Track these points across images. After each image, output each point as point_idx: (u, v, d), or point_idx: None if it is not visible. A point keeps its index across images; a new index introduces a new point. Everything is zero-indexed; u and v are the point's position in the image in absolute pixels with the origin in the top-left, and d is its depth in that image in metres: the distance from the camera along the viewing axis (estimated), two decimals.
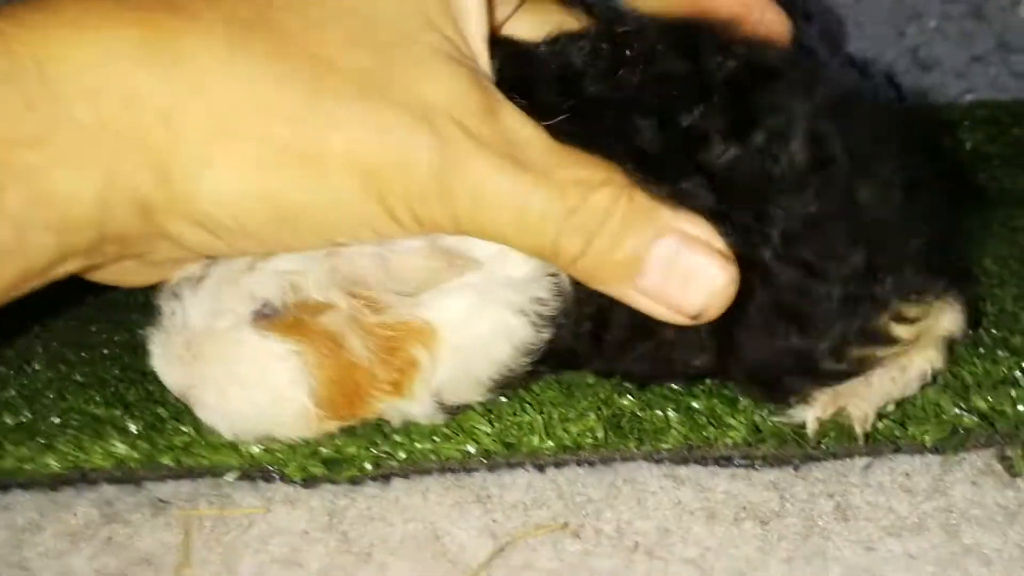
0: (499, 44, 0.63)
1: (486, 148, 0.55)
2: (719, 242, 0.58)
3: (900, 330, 0.65)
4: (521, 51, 0.64)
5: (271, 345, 0.62)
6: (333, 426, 0.66)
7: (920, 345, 0.66)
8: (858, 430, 0.63)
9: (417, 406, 0.65)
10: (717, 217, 0.59)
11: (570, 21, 0.67)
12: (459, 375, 0.64)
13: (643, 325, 0.62)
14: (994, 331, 0.76)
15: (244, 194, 0.55)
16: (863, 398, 0.64)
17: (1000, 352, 0.71)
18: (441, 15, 0.58)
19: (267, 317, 0.63)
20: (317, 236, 0.58)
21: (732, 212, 0.60)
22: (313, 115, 0.54)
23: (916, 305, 0.66)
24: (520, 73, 0.62)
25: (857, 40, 1.53)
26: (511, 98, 0.58)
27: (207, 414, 0.65)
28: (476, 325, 0.63)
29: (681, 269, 0.57)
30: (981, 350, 0.72)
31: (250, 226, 0.56)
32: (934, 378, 0.68)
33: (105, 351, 0.84)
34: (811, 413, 0.64)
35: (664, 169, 0.60)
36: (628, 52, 0.63)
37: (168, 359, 0.65)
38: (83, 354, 0.84)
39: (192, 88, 0.54)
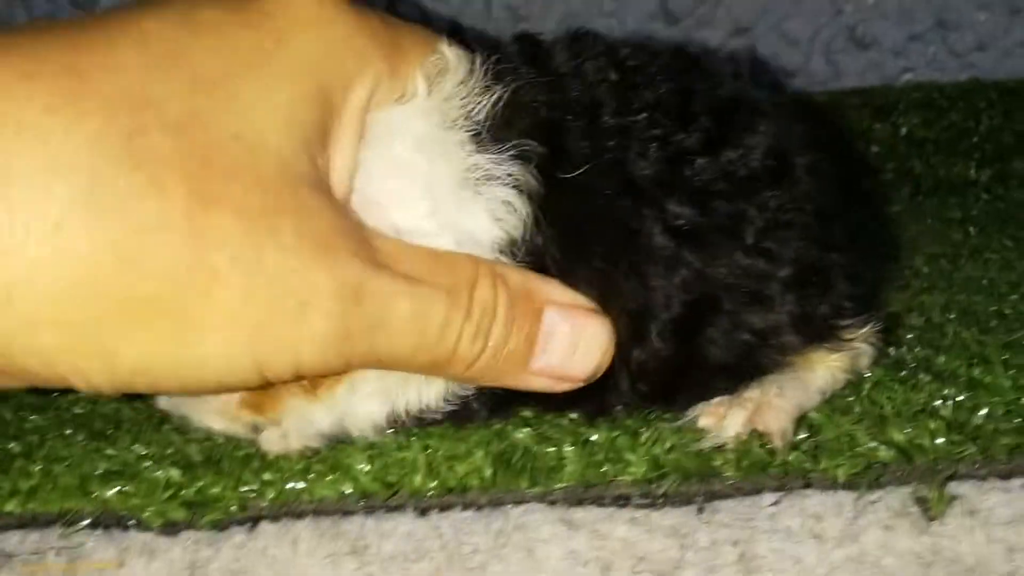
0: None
1: (382, 270, 0.53)
2: (584, 299, 0.58)
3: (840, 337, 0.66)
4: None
5: None
6: (247, 418, 0.63)
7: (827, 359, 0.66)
8: (778, 443, 0.60)
9: (322, 414, 0.61)
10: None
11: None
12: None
13: None
14: (917, 349, 0.72)
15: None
16: (780, 408, 0.62)
17: (922, 376, 0.67)
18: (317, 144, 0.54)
19: None
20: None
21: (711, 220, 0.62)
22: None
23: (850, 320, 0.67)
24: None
25: (795, 18, 1.48)
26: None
27: None
28: None
29: (569, 340, 0.57)
30: (903, 373, 0.68)
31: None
32: (850, 407, 0.64)
33: None
34: (732, 424, 0.62)
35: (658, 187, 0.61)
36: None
37: None
38: None
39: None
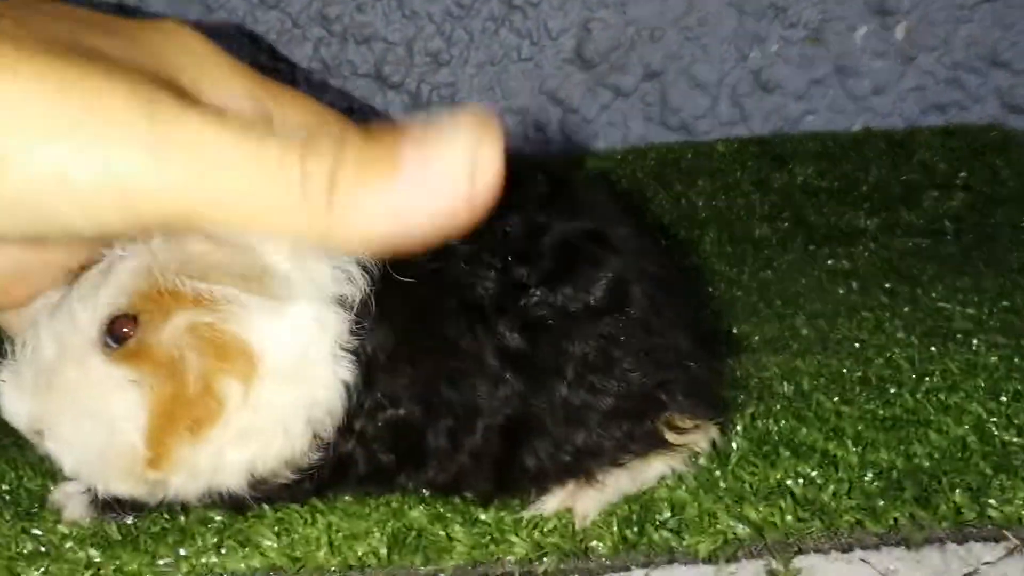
0: None
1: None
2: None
3: (671, 436, 0.71)
4: None
5: (113, 372, 0.64)
6: (151, 477, 0.66)
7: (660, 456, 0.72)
8: (577, 524, 0.67)
9: (203, 457, 0.66)
10: (521, 357, 0.66)
11: None
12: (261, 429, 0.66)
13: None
14: (783, 422, 0.78)
15: None
16: (591, 497, 0.69)
17: (782, 450, 0.74)
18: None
19: (117, 339, 0.65)
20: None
21: (534, 350, 0.67)
22: None
23: (689, 419, 0.71)
24: None
25: (703, 63, 1.55)
26: None
27: (59, 448, 0.66)
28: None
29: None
30: (765, 448, 0.75)
31: None
32: (715, 483, 0.71)
33: None
34: (550, 505, 0.69)
35: (492, 313, 0.67)
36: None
37: (17, 393, 0.66)
38: None
39: None
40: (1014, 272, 1.13)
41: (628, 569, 0.66)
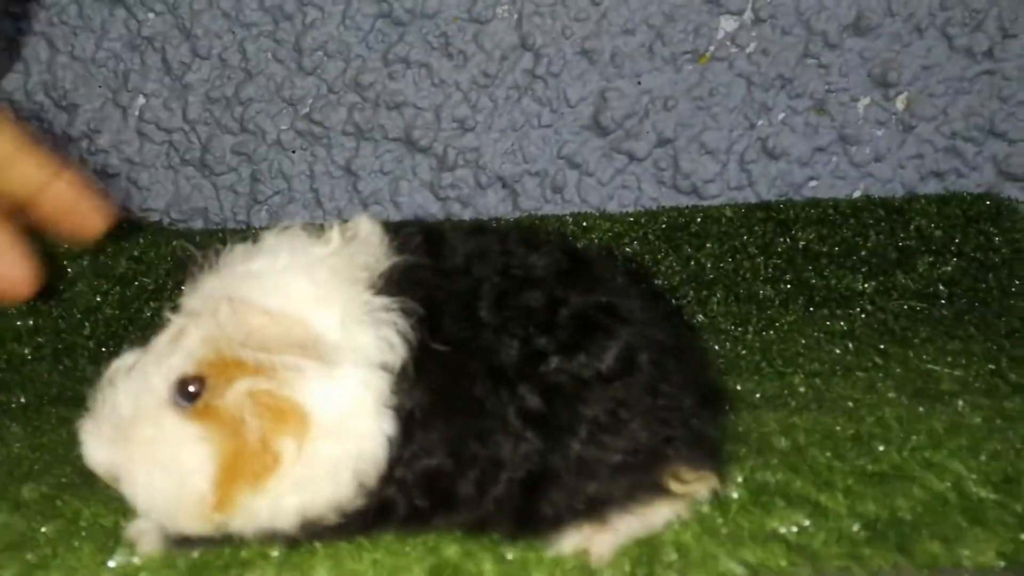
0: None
1: None
2: None
3: (675, 486, 0.79)
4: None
5: (185, 428, 0.74)
6: (216, 519, 0.75)
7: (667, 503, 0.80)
8: (592, 564, 0.75)
9: (261, 503, 0.75)
10: (539, 417, 0.75)
11: None
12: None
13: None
14: (780, 475, 0.87)
15: None
16: (605, 539, 0.77)
17: (778, 501, 0.82)
18: None
19: (187, 398, 0.75)
20: None
21: (551, 412, 0.76)
22: None
23: (692, 470, 0.79)
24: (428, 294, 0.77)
25: (712, 130, 1.64)
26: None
27: (134, 492, 0.75)
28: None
29: None
30: (763, 498, 0.83)
31: None
32: (717, 528, 0.79)
33: None
34: (568, 546, 0.77)
35: (515, 377, 0.76)
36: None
37: (98, 443, 0.76)
38: None
39: None
40: (1002, 337, 1.21)
41: None
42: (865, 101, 1.67)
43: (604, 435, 0.76)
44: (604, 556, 0.76)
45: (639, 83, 1.64)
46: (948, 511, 0.81)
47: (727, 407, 0.99)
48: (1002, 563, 0.75)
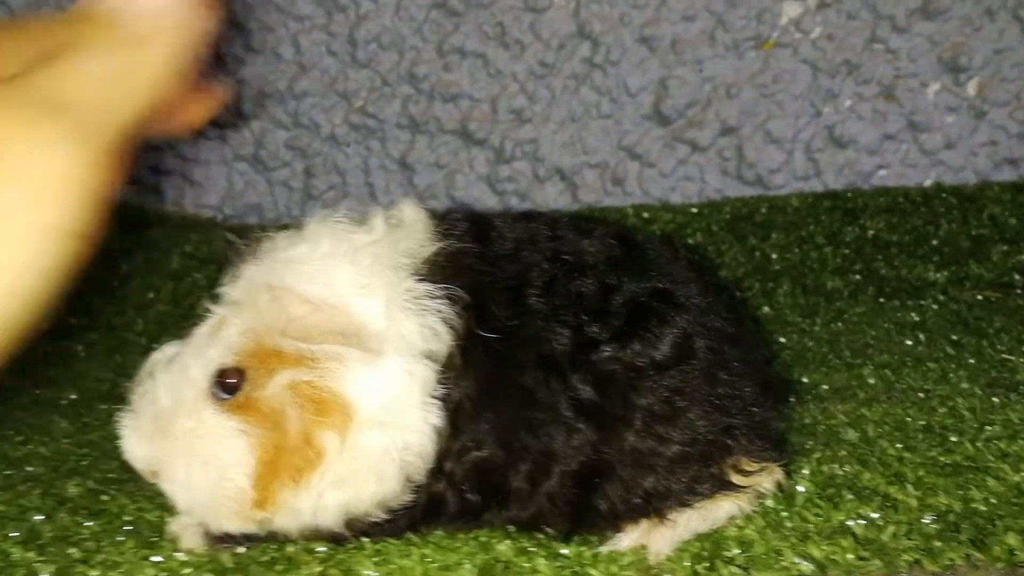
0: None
1: None
2: None
3: (736, 478, 0.75)
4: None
5: (224, 422, 0.72)
6: (257, 516, 0.73)
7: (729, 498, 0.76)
8: (650, 560, 0.72)
9: (303, 499, 0.72)
10: (592, 408, 0.72)
11: None
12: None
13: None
14: (847, 468, 0.83)
15: None
16: (664, 535, 0.74)
17: (846, 493, 0.79)
18: None
19: (226, 390, 0.72)
20: None
21: (604, 402, 0.73)
22: None
23: (754, 462, 0.76)
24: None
25: (778, 119, 1.60)
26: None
27: (173, 488, 0.73)
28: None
29: None
30: (830, 491, 0.80)
31: None
32: (782, 522, 0.76)
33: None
34: (625, 542, 0.74)
35: (566, 367, 0.73)
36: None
37: (136, 437, 0.74)
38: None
39: None
40: None
41: None
42: (935, 87, 1.62)
43: (660, 425, 0.73)
44: (663, 552, 0.73)
45: (701, 70, 1.60)
46: None
47: (791, 398, 0.95)
48: None
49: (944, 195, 1.41)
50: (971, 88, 1.61)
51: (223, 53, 1.62)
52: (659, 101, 1.62)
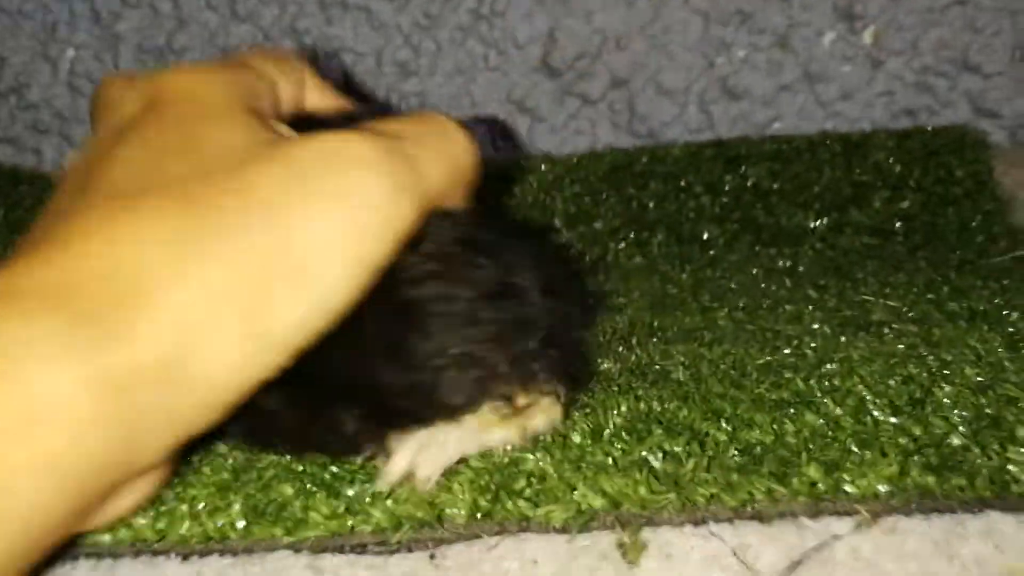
0: None
1: None
2: None
3: (506, 408, 0.72)
4: None
5: None
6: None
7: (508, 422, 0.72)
8: (419, 487, 0.68)
9: None
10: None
11: None
12: None
13: None
14: (666, 405, 0.79)
15: None
16: (434, 458, 0.69)
17: (655, 429, 0.75)
18: None
19: None
20: None
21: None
22: None
23: (530, 392, 0.72)
24: None
25: (669, 71, 1.56)
26: None
27: None
28: None
29: None
30: (639, 426, 0.76)
31: None
32: (579, 459, 0.72)
33: None
34: (394, 472, 0.69)
35: None
36: None
37: None
38: None
39: None
40: (951, 268, 1.12)
41: (479, 537, 0.68)
42: (831, 35, 1.58)
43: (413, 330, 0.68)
44: (432, 477, 0.69)
45: (590, 21, 1.56)
46: (838, 435, 0.73)
47: (620, 344, 0.91)
48: (883, 488, 0.67)
49: (829, 142, 1.37)
50: (867, 37, 1.58)
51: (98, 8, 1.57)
52: (548, 53, 1.57)
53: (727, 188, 1.34)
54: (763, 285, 1.12)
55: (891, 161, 1.34)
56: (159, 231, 0.53)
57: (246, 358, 0.55)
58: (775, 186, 1.33)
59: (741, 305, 1.05)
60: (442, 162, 0.64)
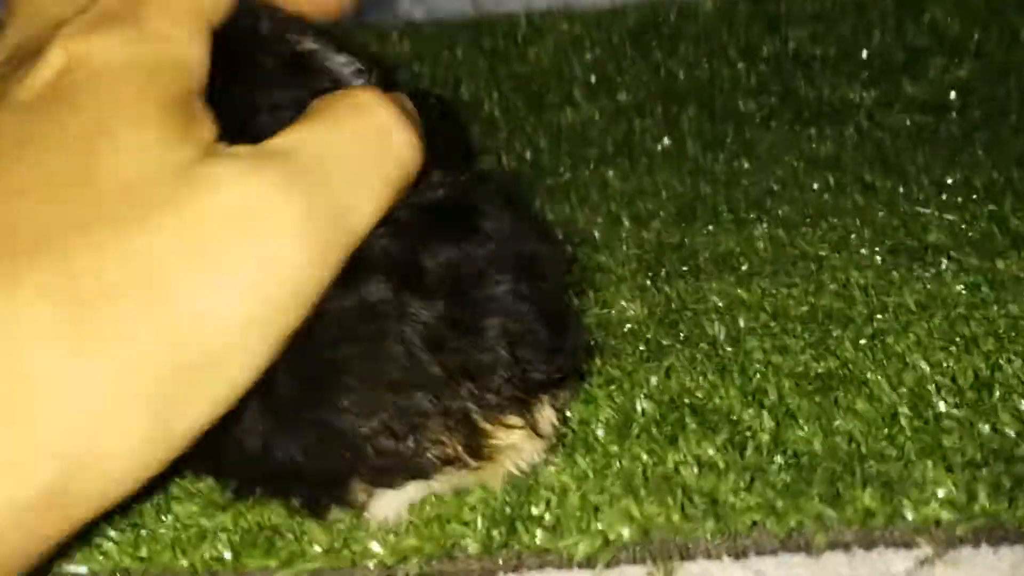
0: None
1: None
2: None
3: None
4: None
5: None
6: None
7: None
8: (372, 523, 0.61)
9: None
10: None
11: None
12: None
13: None
14: (701, 379, 0.71)
15: None
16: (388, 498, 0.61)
17: (690, 423, 0.68)
18: None
19: None
20: None
21: None
22: None
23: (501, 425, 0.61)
24: None
25: None
26: None
27: None
28: None
29: None
30: (673, 416, 0.68)
31: None
32: (605, 465, 0.65)
33: None
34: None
35: None
36: None
37: None
38: None
39: None
40: (1012, 164, 1.01)
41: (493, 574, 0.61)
42: None
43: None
44: (388, 516, 0.61)
45: None
46: (896, 438, 0.65)
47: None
48: (947, 515, 0.60)
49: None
50: None
51: None
52: None
53: (765, 55, 1.21)
54: (804, 182, 1.01)
55: (949, 20, 1.21)
56: (38, 320, 0.44)
57: (141, 461, 0.47)
58: (818, 52, 1.20)
59: (780, 215, 0.95)
60: (379, 190, 0.53)
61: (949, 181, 1.00)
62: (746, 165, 1.08)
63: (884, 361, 0.72)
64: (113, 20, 0.52)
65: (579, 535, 0.60)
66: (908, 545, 0.60)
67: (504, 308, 0.58)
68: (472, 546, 0.61)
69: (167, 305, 0.45)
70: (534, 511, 0.62)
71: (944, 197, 0.96)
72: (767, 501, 0.61)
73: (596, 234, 0.94)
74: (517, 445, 0.62)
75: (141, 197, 0.47)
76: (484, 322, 0.58)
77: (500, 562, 0.61)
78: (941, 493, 0.60)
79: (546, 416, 0.63)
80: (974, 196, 0.96)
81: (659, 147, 1.13)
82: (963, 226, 0.91)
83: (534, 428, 0.62)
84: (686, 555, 0.61)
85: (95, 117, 0.49)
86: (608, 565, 0.60)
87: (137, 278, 0.45)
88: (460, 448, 0.59)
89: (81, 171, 0.47)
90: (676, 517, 0.61)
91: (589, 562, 0.61)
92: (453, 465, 0.59)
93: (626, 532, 0.61)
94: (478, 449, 0.60)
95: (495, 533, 0.61)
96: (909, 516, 0.60)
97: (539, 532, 0.61)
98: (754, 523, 0.60)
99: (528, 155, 1.09)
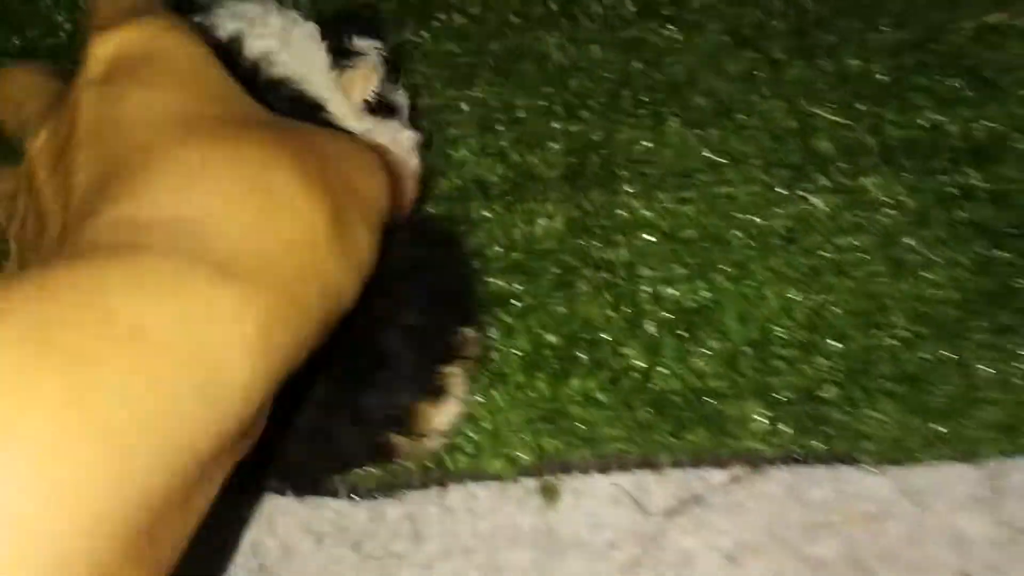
0: None
1: None
2: None
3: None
4: None
5: None
6: None
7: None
8: None
9: None
10: None
11: None
12: None
13: None
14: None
15: None
16: None
17: (571, 376, 0.85)
18: None
19: None
20: None
21: None
22: None
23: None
24: None
25: None
26: None
27: None
28: None
29: None
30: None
31: None
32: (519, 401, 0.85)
33: None
34: None
35: None
36: None
37: None
38: None
39: None
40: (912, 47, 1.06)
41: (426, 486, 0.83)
42: None
43: None
44: None
45: None
46: (735, 379, 0.85)
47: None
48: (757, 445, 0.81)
49: None
50: None
51: None
52: None
53: None
54: (723, 65, 1.09)
55: None
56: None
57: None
58: None
59: (693, 108, 1.02)
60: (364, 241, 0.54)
61: (854, 63, 1.05)
62: (678, 36, 1.15)
63: (746, 294, 0.87)
64: None
65: (491, 458, 0.82)
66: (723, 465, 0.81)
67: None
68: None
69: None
70: (456, 441, 0.83)
71: (841, 92, 1.03)
72: (629, 435, 0.82)
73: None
74: (436, 422, 0.80)
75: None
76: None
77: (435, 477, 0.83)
78: (756, 429, 0.81)
79: (456, 383, 0.77)
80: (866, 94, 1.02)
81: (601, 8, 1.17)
82: (847, 133, 0.99)
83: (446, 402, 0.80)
84: (567, 471, 0.83)
85: None
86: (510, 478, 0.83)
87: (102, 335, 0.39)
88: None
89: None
90: (563, 446, 0.82)
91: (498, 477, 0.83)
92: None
93: (527, 456, 0.82)
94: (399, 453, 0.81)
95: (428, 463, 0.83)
96: (731, 446, 0.81)
97: (461, 458, 0.83)
98: (619, 450, 0.82)
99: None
